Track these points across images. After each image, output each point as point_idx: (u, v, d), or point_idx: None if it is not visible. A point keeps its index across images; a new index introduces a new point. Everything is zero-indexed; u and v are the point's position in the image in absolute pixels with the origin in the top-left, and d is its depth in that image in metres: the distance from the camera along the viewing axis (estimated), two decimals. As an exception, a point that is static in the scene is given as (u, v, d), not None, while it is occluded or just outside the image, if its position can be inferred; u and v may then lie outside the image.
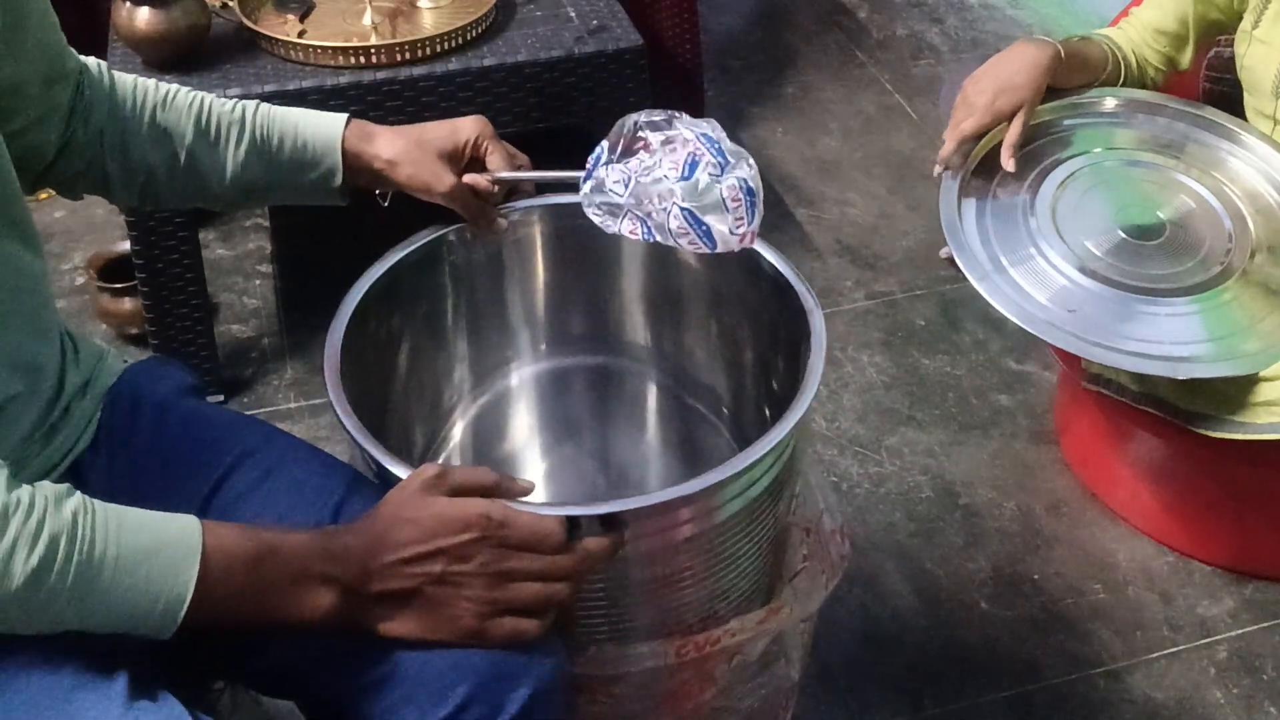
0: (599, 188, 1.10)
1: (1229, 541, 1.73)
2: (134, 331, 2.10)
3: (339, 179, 1.13)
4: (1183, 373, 1.41)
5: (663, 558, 1.03)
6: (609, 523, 0.96)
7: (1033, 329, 1.42)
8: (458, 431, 1.36)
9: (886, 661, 1.62)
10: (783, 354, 1.22)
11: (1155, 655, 1.63)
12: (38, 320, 0.98)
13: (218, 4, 1.90)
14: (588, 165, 1.12)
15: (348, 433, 1.01)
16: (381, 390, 1.22)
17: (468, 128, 1.15)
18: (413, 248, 1.20)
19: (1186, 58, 1.68)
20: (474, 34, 1.87)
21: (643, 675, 1.07)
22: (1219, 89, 1.73)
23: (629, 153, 1.10)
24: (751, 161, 1.08)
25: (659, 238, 1.09)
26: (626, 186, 1.08)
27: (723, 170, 1.06)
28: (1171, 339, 1.42)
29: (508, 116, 1.86)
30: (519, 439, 1.43)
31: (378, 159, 1.13)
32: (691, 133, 1.08)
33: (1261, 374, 1.43)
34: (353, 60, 1.80)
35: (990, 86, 1.55)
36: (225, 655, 0.98)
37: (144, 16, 1.76)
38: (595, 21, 1.93)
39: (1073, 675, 1.60)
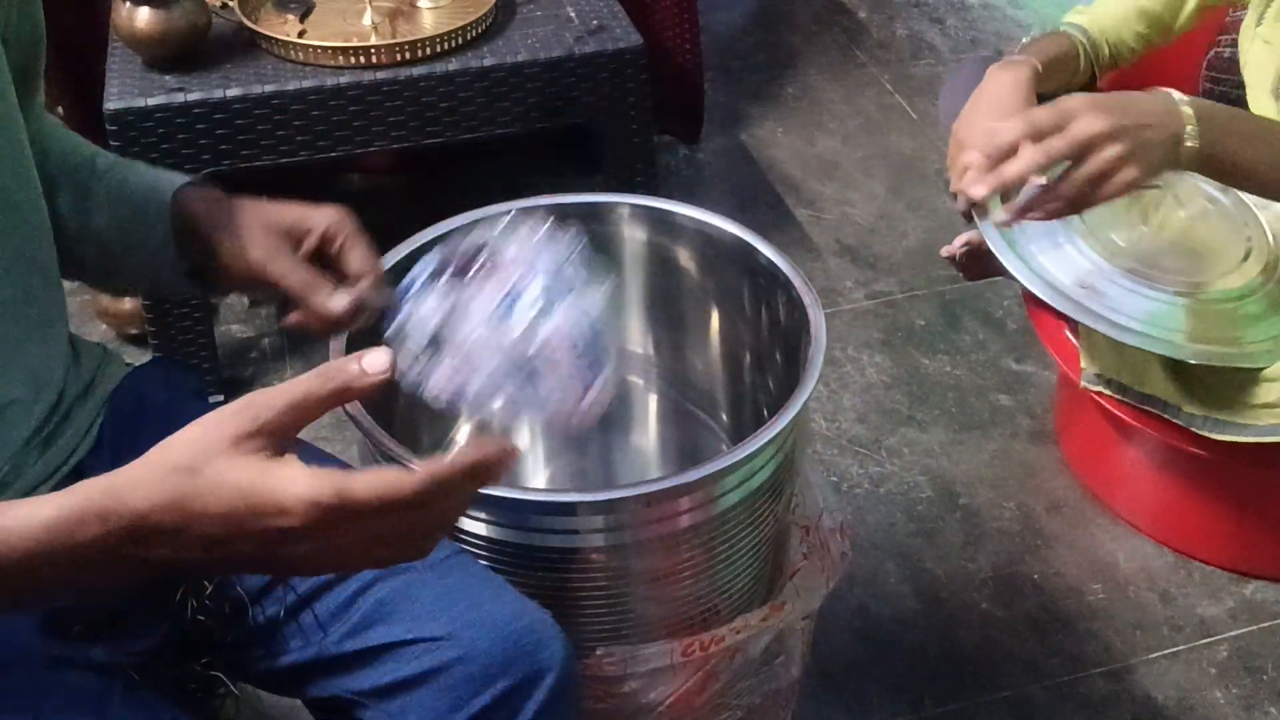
0: (407, 322, 0.78)
1: (1229, 541, 1.73)
2: (134, 331, 2.09)
3: (171, 247, 0.97)
4: (1185, 355, 1.41)
5: (664, 549, 1.04)
6: (608, 507, 0.96)
7: (1046, 296, 1.42)
8: (462, 437, 1.36)
9: (886, 661, 1.62)
10: (784, 359, 1.22)
11: (1155, 655, 1.63)
12: (51, 327, 0.96)
13: (218, 4, 1.90)
14: (403, 284, 0.81)
15: (353, 420, 1.01)
16: (385, 391, 1.22)
17: (324, 215, 0.97)
18: (420, 243, 1.20)
19: (1173, 32, 1.66)
20: (474, 34, 1.87)
21: (648, 674, 1.07)
22: (1219, 89, 1.73)
23: (462, 271, 0.79)
24: (604, 287, 0.79)
25: (471, 401, 0.77)
26: (436, 322, 0.77)
27: (552, 305, 0.76)
28: (1183, 329, 1.43)
29: (508, 117, 1.87)
30: (521, 446, 1.44)
31: (207, 222, 0.96)
32: (524, 247, 0.78)
33: (1262, 375, 1.43)
34: (353, 60, 1.80)
35: (983, 125, 1.53)
36: (233, 656, 0.97)
37: (144, 16, 1.76)
38: (595, 21, 1.93)
39: (1073, 675, 1.60)
